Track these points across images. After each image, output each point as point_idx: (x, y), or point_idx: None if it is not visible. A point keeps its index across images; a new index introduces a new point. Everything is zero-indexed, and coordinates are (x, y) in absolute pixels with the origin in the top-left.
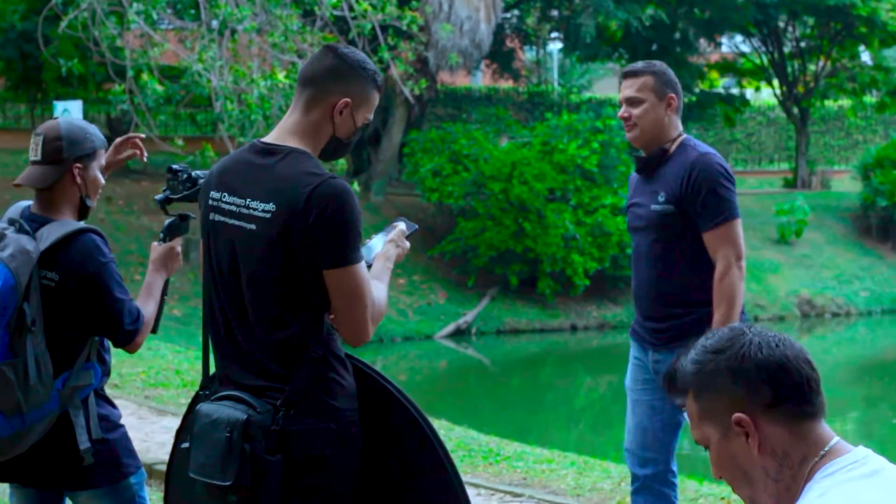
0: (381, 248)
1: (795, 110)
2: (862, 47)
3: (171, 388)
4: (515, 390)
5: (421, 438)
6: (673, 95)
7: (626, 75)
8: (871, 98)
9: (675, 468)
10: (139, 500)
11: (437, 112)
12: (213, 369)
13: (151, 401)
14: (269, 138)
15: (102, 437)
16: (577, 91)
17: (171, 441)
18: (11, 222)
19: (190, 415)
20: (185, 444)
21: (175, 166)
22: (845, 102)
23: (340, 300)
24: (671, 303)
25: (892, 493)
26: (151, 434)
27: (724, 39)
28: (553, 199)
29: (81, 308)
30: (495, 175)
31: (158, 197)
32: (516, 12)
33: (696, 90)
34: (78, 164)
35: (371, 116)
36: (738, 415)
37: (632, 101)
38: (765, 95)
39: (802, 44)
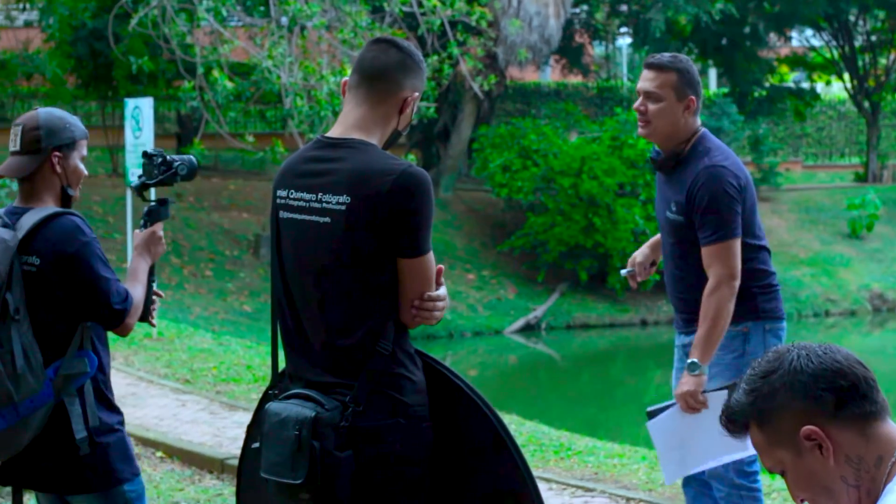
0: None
1: (866, 104)
2: None
3: (242, 383)
4: (585, 385)
5: (491, 433)
6: (693, 98)
7: (650, 66)
8: None
9: (743, 466)
10: None
11: (506, 108)
12: (282, 366)
13: (223, 396)
14: (334, 133)
15: (97, 440)
16: None
17: (243, 436)
18: None
19: (259, 413)
20: (256, 444)
21: (149, 151)
22: None
23: (413, 286)
24: (690, 302)
25: None
26: (223, 429)
27: (794, 33)
28: (623, 193)
29: (65, 290)
30: (565, 170)
31: (134, 183)
32: (585, 7)
33: (767, 84)
34: (57, 153)
35: None
36: (806, 428)
37: (650, 96)
38: (835, 89)
39: (873, 37)
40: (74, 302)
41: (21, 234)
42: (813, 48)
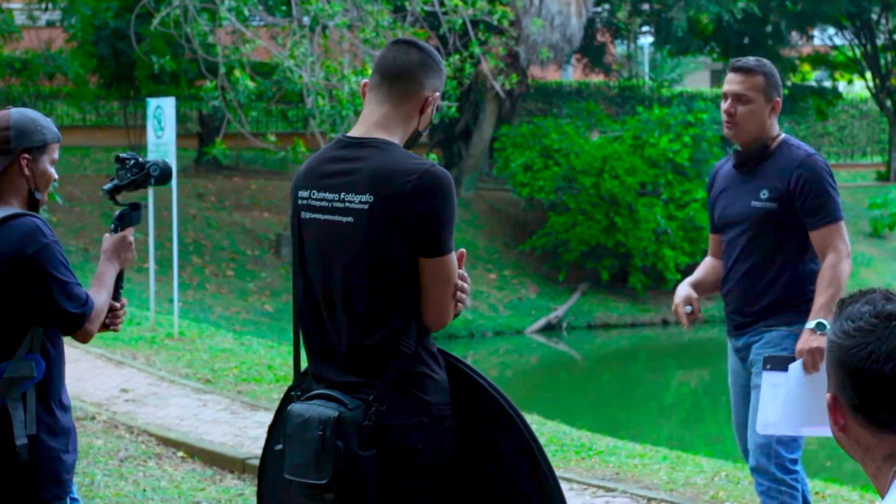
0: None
1: (888, 103)
2: None
3: (263, 383)
4: (607, 385)
5: (514, 431)
6: (779, 99)
7: (737, 70)
8: None
9: (786, 462)
10: None
11: (527, 107)
12: (304, 366)
13: (244, 396)
14: (356, 132)
15: (27, 461)
16: (668, 85)
17: (264, 436)
18: None
19: (281, 415)
20: (279, 446)
21: (122, 155)
22: None
23: (434, 286)
24: (762, 297)
25: None
26: (244, 429)
27: (816, 32)
28: (644, 193)
29: (21, 292)
30: (586, 169)
31: (106, 186)
32: (607, 6)
33: (789, 83)
34: (26, 155)
35: None
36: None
37: (739, 98)
38: (857, 88)
39: (895, 36)
40: (31, 304)
41: None
42: (835, 47)
